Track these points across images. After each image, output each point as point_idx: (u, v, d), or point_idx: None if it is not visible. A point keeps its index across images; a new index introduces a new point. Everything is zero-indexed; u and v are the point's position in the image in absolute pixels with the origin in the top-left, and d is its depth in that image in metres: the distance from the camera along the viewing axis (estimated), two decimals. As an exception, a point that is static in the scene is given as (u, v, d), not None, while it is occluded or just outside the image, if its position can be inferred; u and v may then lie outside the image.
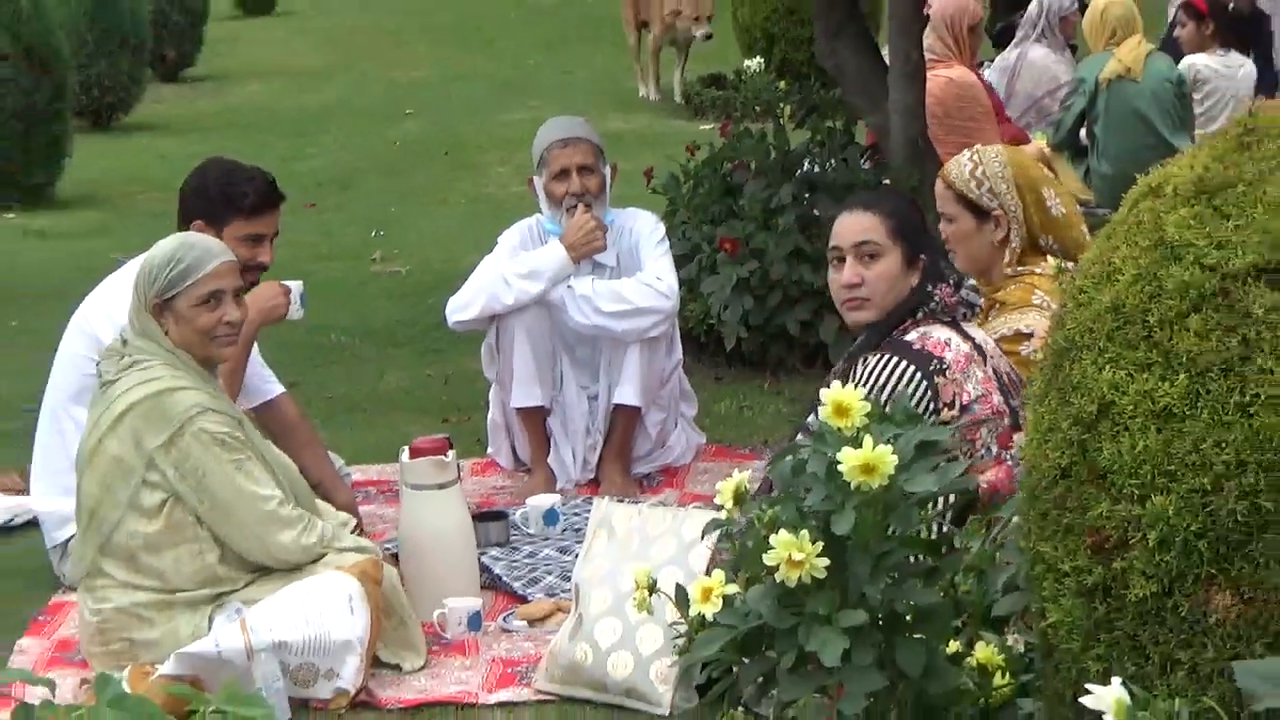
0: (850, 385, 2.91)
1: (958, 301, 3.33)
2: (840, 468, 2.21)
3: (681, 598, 2.57)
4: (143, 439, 3.29)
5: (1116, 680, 1.97)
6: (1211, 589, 2.22)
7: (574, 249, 4.26)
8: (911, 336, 3.21)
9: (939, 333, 3.23)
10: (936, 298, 3.28)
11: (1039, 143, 7.30)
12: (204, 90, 12.75)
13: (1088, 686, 1.96)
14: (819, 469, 2.29)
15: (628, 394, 4.33)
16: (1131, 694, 1.90)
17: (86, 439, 3.49)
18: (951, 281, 3.38)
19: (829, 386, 2.90)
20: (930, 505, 2.35)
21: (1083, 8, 8.23)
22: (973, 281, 3.57)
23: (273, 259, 4.07)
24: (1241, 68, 7.58)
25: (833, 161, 5.64)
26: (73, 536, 3.77)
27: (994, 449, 3.09)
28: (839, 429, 2.30)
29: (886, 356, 3.16)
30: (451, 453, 3.71)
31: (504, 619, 3.67)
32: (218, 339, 3.43)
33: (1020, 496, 2.31)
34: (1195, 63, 7.50)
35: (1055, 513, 2.24)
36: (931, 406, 3.12)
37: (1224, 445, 2.06)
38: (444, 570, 3.63)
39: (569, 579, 3.64)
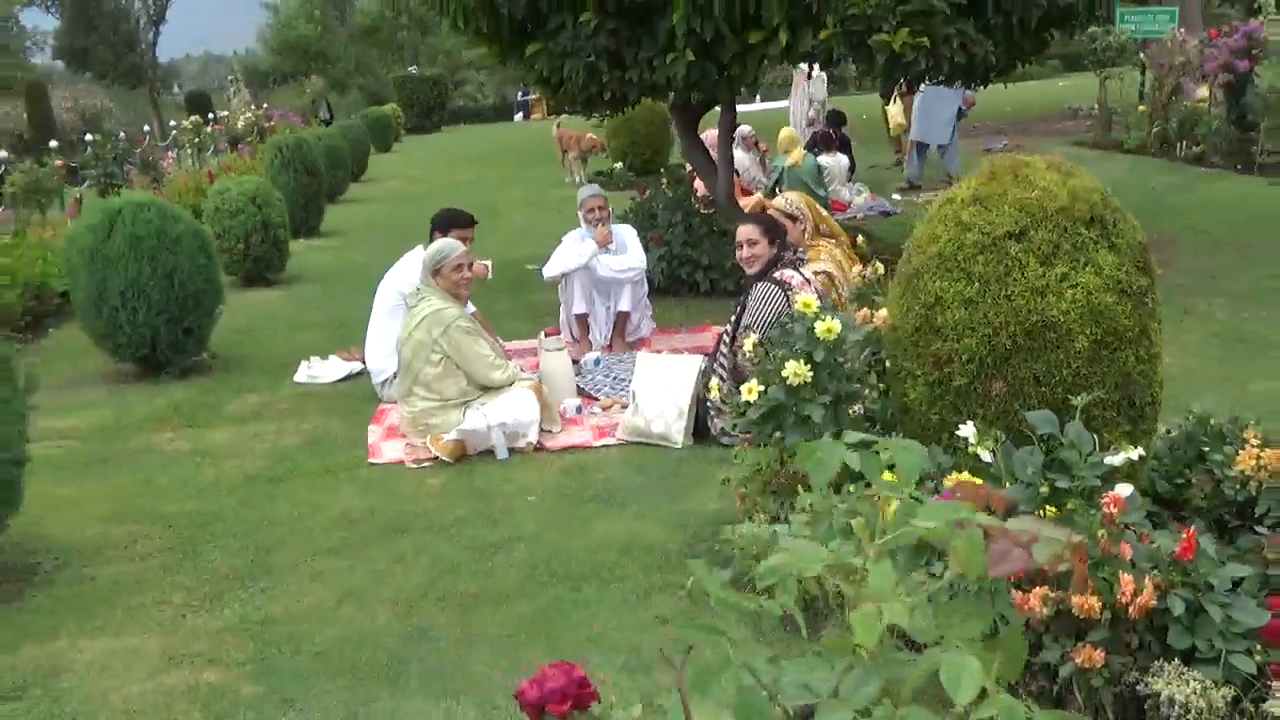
0: (756, 298, 6.04)
1: (794, 259, 6.56)
2: (816, 330, 4.21)
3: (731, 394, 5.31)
4: (432, 330, 6.50)
5: (969, 424, 3.40)
6: (993, 381, 3.63)
7: (600, 243, 8.07)
8: (776, 275, 6.27)
9: (788, 272, 6.36)
10: (785, 257, 6.47)
11: (758, 195, 12.43)
12: (369, 186, 22.57)
13: (957, 430, 3.41)
14: (802, 332, 4.31)
15: (624, 304, 8.20)
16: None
17: (403, 331, 6.49)
18: (792, 249, 6.71)
19: (742, 302, 6.15)
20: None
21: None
22: (802, 250, 7.06)
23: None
24: (842, 160, 14.64)
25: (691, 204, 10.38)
26: (388, 378, 7.10)
27: None
28: (805, 314, 4.39)
29: (765, 284, 6.26)
30: (562, 335, 7.55)
31: (591, 409, 6.95)
32: (461, 285, 6.69)
33: (888, 339, 4.10)
34: (822, 160, 13.90)
35: (912, 347, 3.88)
36: (786, 302, 5.99)
37: (998, 314, 3.60)
38: (562, 386, 7.00)
39: (615, 390, 7.02)
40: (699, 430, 6.18)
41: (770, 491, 4.25)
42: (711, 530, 4.81)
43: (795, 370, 4.00)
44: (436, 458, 6.13)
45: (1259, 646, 3.07)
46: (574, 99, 9.31)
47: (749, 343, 4.70)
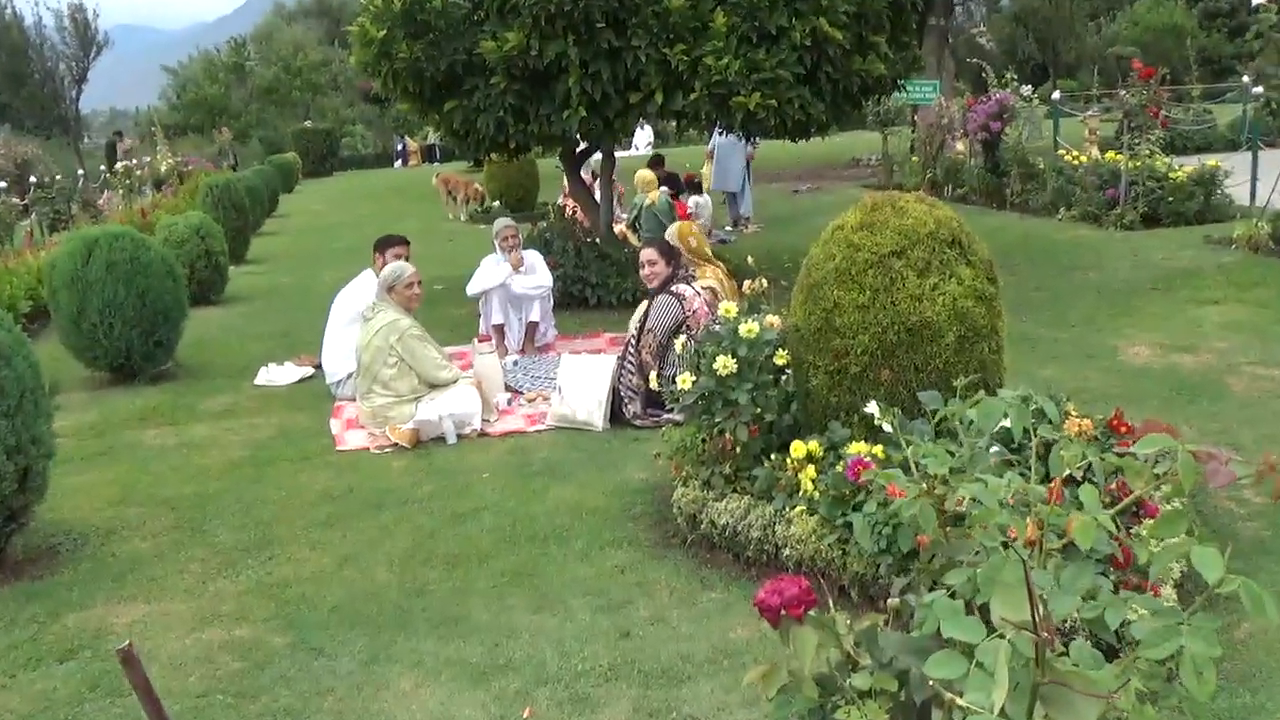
0: (657, 306, 6.06)
1: (687, 275, 6.66)
2: (740, 332, 4.29)
3: (668, 382, 5.34)
4: (389, 337, 6.40)
5: (872, 403, 3.25)
6: (881, 369, 3.71)
7: (514, 265, 8.01)
8: (673, 288, 6.38)
9: (683, 287, 6.46)
10: (680, 274, 6.54)
11: (619, 228, 12.09)
12: (281, 220, 21.76)
13: (866, 410, 3.47)
14: (728, 334, 4.37)
15: (534, 316, 8.15)
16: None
17: (362, 339, 6.32)
18: (685, 269, 6.79)
19: (646, 311, 6.10)
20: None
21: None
22: (692, 269, 7.03)
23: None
24: (707, 200, 14.24)
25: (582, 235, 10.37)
26: (342, 379, 6.94)
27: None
28: (729, 319, 4.51)
29: (664, 295, 6.33)
30: (492, 341, 7.16)
31: (518, 402, 6.88)
32: (413, 301, 6.53)
33: (792, 338, 4.11)
34: (696, 199, 13.70)
35: (815, 342, 3.90)
36: (682, 311, 6.15)
37: (885, 315, 3.68)
38: (495, 383, 6.86)
39: (534, 384, 6.96)
40: (614, 416, 6.15)
41: (700, 462, 4.29)
42: (647, 495, 4.79)
43: (724, 363, 4.10)
44: (396, 444, 5.98)
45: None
46: (481, 147, 9.25)
47: (678, 343, 4.86)
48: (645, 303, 6.48)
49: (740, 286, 5.72)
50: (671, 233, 7.40)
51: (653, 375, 5.12)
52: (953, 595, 1.29)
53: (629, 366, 6.01)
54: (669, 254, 6.37)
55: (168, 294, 7.69)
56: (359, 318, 6.78)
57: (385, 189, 28.40)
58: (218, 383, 7.87)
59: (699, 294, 6.21)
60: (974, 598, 1.28)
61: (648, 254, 6.31)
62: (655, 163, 14.87)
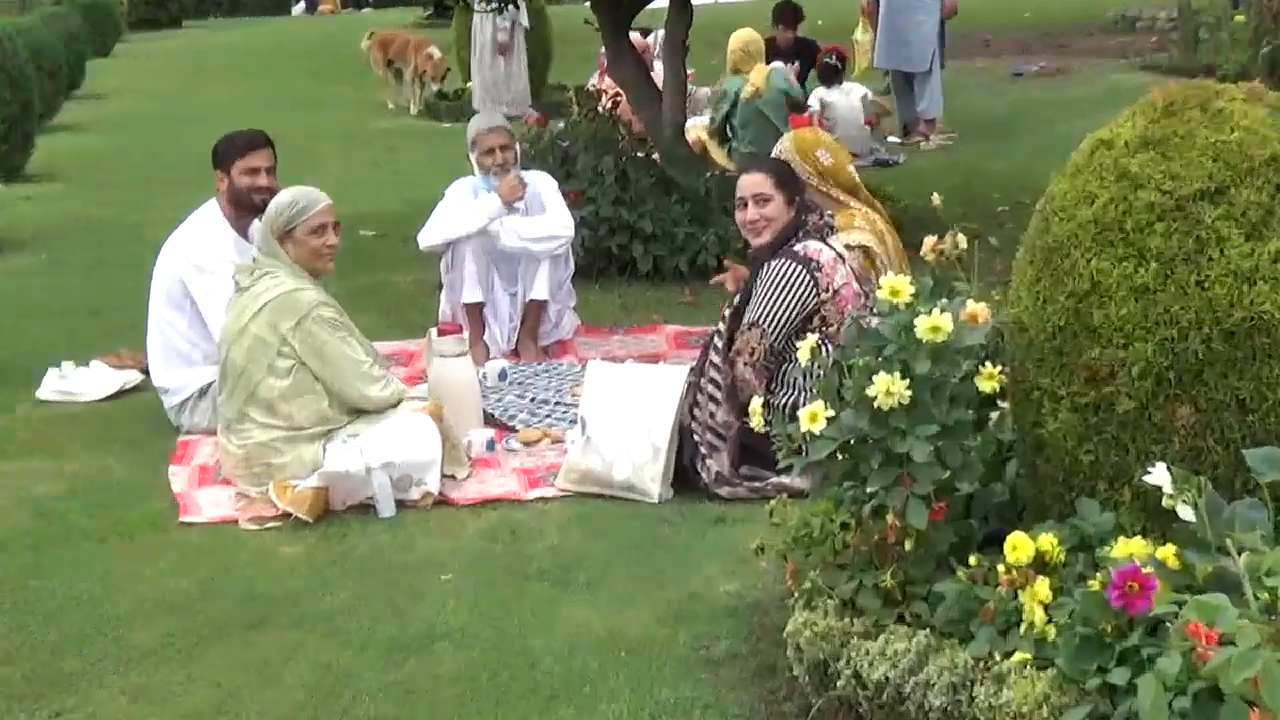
0: (769, 280, 5.11)
1: (823, 224, 5.34)
2: (917, 331, 3.67)
3: (782, 421, 4.20)
4: (278, 324, 4.95)
5: (1159, 466, 3.15)
6: (1176, 404, 3.56)
7: (504, 198, 6.51)
8: (797, 248, 5.19)
9: (814, 244, 5.22)
10: (810, 223, 5.29)
11: (695, 132, 10.39)
12: (91, 105, 18.60)
13: (1149, 470, 3.21)
14: (894, 334, 3.78)
15: (540, 292, 6.63)
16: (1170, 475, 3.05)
17: (231, 325, 5.06)
18: (818, 213, 5.35)
19: (745, 287, 5.26)
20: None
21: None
22: (830, 212, 5.57)
23: (275, 184, 5.87)
24: (854, 97, 12.15)
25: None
26: (190, 398, 5.76)
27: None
28: (895, 303, 3.81)
29: (783, 260, 5.15)
30: (465, 334, 5.68)
31: (506, 443, 5.53)
32: (323, 257, 5.13)
33: (1012, 344, 3.91)
34: (826, 97, 12.00)
35: (1054, 357, 3.64)
36: (815, 290, 5.21)
37: (1186, 309, 3.41)
38: (463, 410, 5.50)
39: (535, 415, 5.85)
40: (681, 476, 5.33)
41: (837, 565, 3.95)
42: (737, 622, 4.40)
43: (887, 387, 3.71)
44: (288, 514, 5.08)
45: None
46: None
47: (803, 348, 4.30)
48: (743, 274, 5.71)
49: (917, 247, 5.47)
50: (787, 147, 6.31)
51: (755, 405, 4.61)
52: None
53: (710, 388, 5.52)
54: (789, 184, 5.56)
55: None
56: (211, 287, 5.86)
57: (277, 54, 24.31)
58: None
59: (841, 258, 5.52)
60: None
61: (754, 183, 5.65)
62: (785, 15, 12.72)
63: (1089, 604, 3.47)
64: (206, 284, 6.11)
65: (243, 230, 6.22)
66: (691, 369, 5.72)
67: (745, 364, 5.27)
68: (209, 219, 6.43)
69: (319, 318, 5.55)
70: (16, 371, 7.21)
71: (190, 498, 5.62)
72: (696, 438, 5.48)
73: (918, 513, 3.93)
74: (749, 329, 5.48)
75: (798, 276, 5.54)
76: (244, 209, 6.21)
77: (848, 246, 5.90)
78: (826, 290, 5.62)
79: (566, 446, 5.66)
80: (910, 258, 5.60)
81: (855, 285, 5.56)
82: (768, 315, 5.49)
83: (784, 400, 5.44)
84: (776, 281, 5.57)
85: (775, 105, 10.43)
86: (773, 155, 6.45)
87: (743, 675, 4.31)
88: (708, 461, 5.49)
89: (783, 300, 5.55)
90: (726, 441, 5.49)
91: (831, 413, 4.13)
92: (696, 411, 5.47)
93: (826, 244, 5.60)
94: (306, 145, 13.52)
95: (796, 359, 4.73)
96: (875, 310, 4.35)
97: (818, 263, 5.53)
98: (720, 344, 5.60)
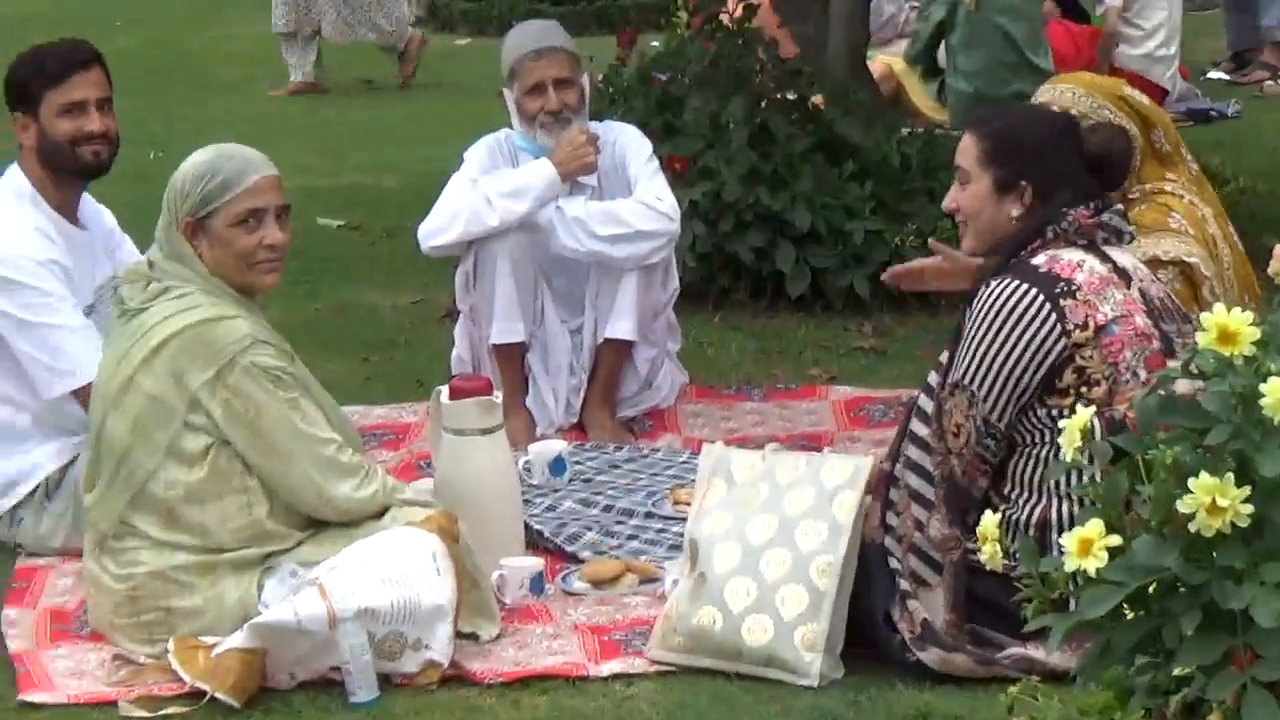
0: (979, 316, 3.72)
1: (1096, 224, 4.05)
2: (1262, 401, 2.42)
3: (1028, 552, 3.24)
4: (185, 375, 3.46)
5: None
6: None
7: (564, 166, 4.77)
8: (1039, 259, 3.93)
9: (1070, 255, 3.90)
10: (1069, 219, 4.01)
11: (884, 60, 8.03)
12: None
13: None
14: (1220, 403, 2.60)
15: (622, 328, 4.88)
16: None
17: (110, 376, 3.65)
18: (1091, 205, 4.09)
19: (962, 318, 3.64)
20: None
21: None
22: (1119, 207, 4.23)
23: (114, 126, 4.44)
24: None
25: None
26: (25, 498, 4.16)
27: (1141, 374, 3.69)
28: (1228, 356, 3.00)
29: (1008, 279, 3.90)
30: (498, 393, 4.00)
31: (563, 580, 4.04)
32: (258, 265, 3.74)
33: None
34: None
35: None
36: (1059, 328, 3.85)
37: None
38: (493, 524, 3.90)
39: (611, 535, 4.27)
40: (858, 632, 3.83)
41: None
42: None
43: (1214, 498, 2.67)
44: (201, 693, 3.47)
45: None
46: None
47: (1073, 428, 3.29)
48: (958, 267, 4.26)
49: (1261, 258, 4.10)
50: (1069, 87, 4.82)
51: (988, 523, 3.40)
52: None
53: (914, 481, 4.01)
54: (1010, 159, 4.17)
55: None
56: (30, 305, 4.39)
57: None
58: None
59: (1119, 275, 4.05)
60: None
61: (958, 150, 4.16)
62: None
63: None
64: (22, 302, 4.51)
65: (69, 208, 4.51)
66: (883, 457, 4.23)
67: (969, 448, 3.97)
68: (6, 196, 4.78)
69: (253, 366, 3.96)
70: None
71: (37, 662, 4.21)
72: (894, 563, 4.03)
73: (1262, 708, 2.73)
74: (951, 392, 4.07)
75: (1029, 307, 4.07)
76: (66, 173, 4.53)
77: (1156, 261, 4.46)
78: (1083, 328, 4.08)
79: (665, 589, 4.21)
80: (1255, 277, 4.24)
81: (1142, 321, 4.14)
82: (979, 371, 4.05)
83: (1026, 514, 4.02)
84: (990, 316, 4.12)
85: (1022, 13, 7.93)
86: (1033, 101, 4.83)
87: None
88: (909, 604, 4.00)
89: (1002, 347, 4.07)
90: (943, 574, 4.01)
91: (1115, 540, 2.84)
92: (893, 520, 4.01)
93: (1097, 254, 4.17)
94: (213, 71, 11.11)
95: (1035, 445, 3.93)
96: (1190, 366, 2.95)
97: (1069, 283, 4.09)
98: (931, 409, 4.20)
